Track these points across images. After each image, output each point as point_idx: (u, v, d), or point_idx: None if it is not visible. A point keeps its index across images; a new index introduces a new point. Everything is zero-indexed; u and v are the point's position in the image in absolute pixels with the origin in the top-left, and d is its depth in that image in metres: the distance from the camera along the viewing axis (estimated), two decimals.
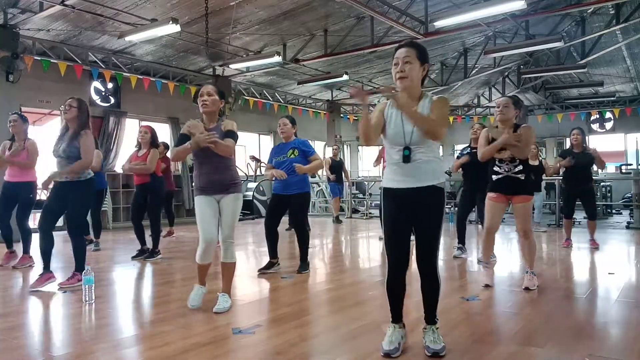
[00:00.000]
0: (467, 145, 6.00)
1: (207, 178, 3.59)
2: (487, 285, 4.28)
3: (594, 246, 6.59)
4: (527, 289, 4.12)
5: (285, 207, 5.06)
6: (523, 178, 4.13)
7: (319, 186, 13.55)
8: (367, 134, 2.63)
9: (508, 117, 4.14)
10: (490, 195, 4.26)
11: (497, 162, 4.21)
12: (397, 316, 2.73)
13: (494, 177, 4.24)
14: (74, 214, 4.48)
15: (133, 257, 6.03)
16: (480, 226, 5.88)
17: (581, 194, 6.55)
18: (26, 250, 5.57)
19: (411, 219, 2.64)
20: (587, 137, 6.82)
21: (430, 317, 2.69)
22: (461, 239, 5.91)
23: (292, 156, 4.91)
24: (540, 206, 9.15)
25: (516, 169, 4.13)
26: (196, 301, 3.66)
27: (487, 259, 4.46)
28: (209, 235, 3.55)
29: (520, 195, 4.15)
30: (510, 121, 4.16)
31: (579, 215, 7.73)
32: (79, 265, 4.45)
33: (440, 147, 2.80)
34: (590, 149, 6.43)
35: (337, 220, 11.05)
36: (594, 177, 7.56)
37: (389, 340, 2.65)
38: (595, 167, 6.70)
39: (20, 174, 5.45)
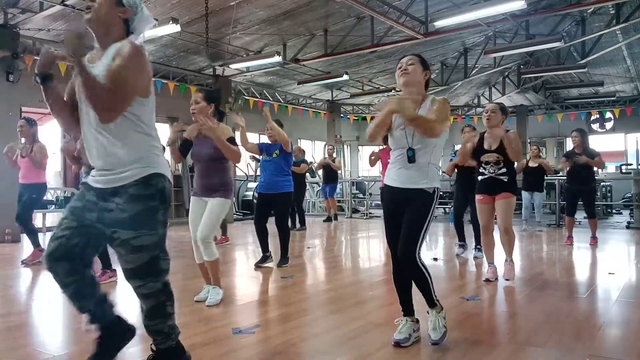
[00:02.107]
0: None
1: (197, 180, 3.86)
2: (487, 280, 4.41)
3: (594, 243, 6.67)
4: (507, 279, 4.40)
5: (271, 205, 5.35)
6: (506, 180, 4.37)
7: (319, 186, 13.55)
8: (377, 134, 2.77)
9: (495, 122, 4.40)
10: (477, 197, 4.53)
11: (483, 164, 4.47)
12: (407, 310, 2.84)
13: (480, 177, 4.53)
14: None
15: None
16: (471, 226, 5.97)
17: (583, 193, 6.68)
18: (36, 244, 5.65)
19: (404, 215, 2.75)
20: (587, 137, 6.83)
21: (428, 302, 2.77)
22: (461, 237, 6.06)
23: (275, 156, 5.28)
24: (540, 205, 9.20)
25: (500, 171, 4.38)
26: (201, 297, 3.82)
27: (491, 259, 4.57)
28: (195, 234, 3.77)
29: (502, 193, 4.38)
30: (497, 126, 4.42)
31: (579, 215, 7.73)
32: (106, 264, 4.61)
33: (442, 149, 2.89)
34: (580, 159, 6.43)
35: (332, 219, 11.07)
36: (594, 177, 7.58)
37: (399, 331, 2.77)
38: (595, 167, 6.79)
39: (29, 176, 5.64)
